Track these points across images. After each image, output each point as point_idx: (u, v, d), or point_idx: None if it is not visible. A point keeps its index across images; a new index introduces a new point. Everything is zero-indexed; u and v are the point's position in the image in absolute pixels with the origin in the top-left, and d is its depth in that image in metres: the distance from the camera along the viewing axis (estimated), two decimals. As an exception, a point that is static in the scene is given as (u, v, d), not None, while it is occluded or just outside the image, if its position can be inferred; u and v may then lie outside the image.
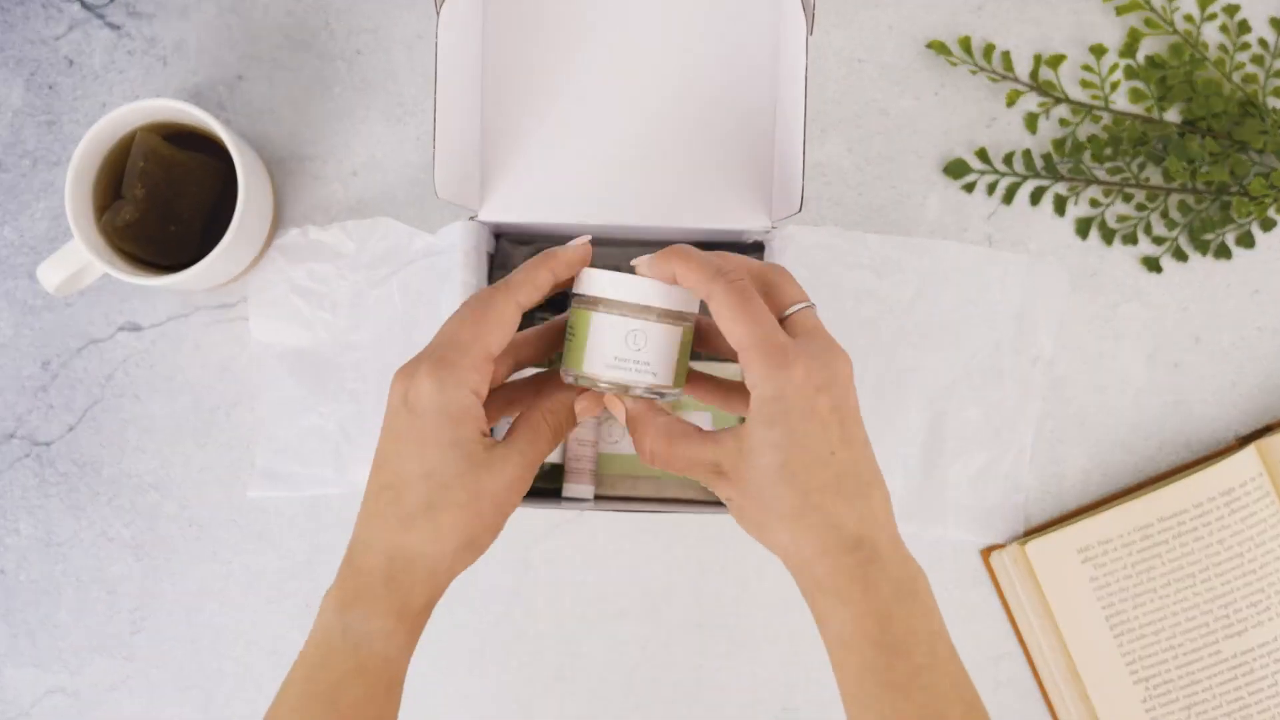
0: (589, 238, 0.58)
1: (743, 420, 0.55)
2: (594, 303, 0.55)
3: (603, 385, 0.56)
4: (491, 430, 0.55)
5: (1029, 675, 0.81)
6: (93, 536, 0.82)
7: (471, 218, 0.76)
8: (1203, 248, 0.82)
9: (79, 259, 0.74)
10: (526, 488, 0.56)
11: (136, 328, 0.82)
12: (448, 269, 0.76)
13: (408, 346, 0.79)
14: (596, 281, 0.55)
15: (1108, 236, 0.82)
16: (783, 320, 0.55)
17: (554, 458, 0.76)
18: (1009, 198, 0.82)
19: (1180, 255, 0.82)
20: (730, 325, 0.53)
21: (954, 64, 0.82)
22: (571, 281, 0.57)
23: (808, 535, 0.52)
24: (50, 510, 0.82)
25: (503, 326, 0.54)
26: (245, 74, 0.82)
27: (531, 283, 0.55)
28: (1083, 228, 0.82)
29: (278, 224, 0.82)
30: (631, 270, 0.57)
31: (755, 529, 0.54)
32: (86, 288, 0.76)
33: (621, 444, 0.77)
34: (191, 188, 0.77)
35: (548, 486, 0.77)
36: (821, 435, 0.52)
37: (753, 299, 0.54)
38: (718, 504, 0.77)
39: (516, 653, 0.82)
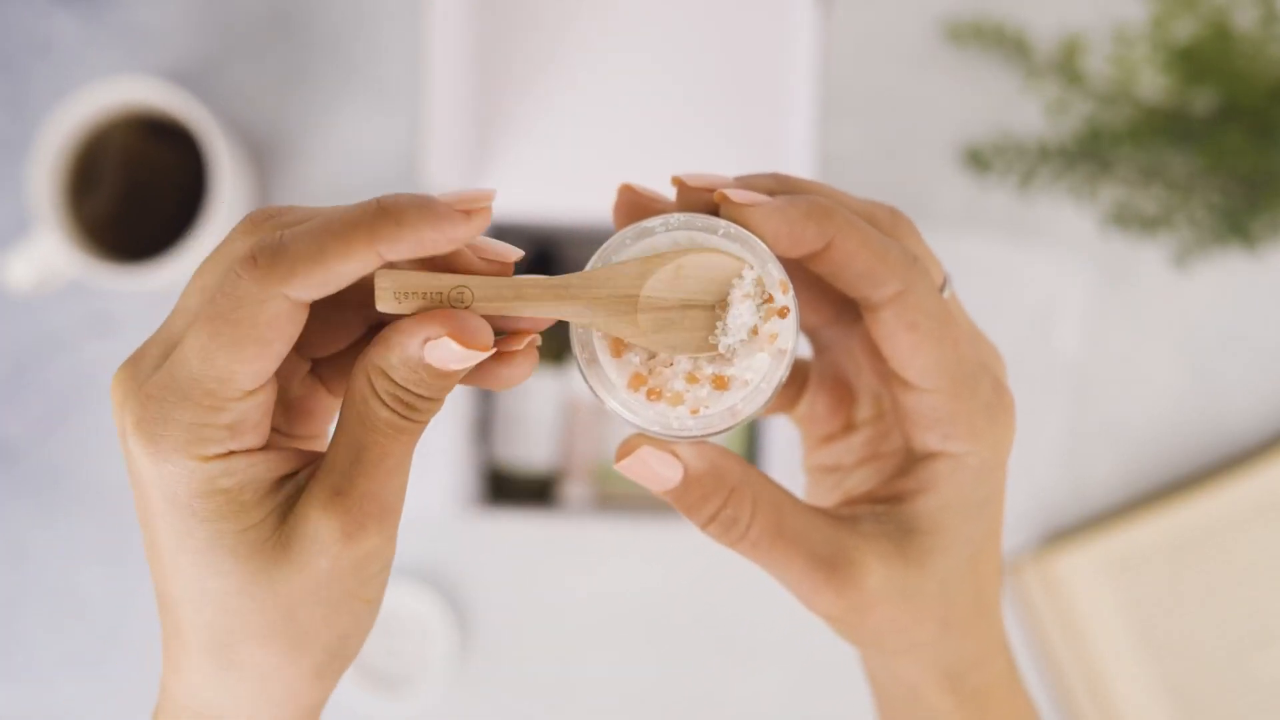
0: (489, 193, 0.34)
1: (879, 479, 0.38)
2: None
3: (655, 430, 0.35)
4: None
5: (1052, 692, 0.79)
6: (64, 547, 0.80)
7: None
8: (1234, 240, 0.79)
9: (48, 253, 0.72)
10: (381, 557, 0.33)
11: (111, 329, 0.80)
12: None
13: None
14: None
15: (1134, 228, 0.80)
16: None
17: (549, 460, 0.75)
18: (1030, 188, 0.80)
19: (1209, 249, 0.80)
20: (934, 347, 0.34)
21: (972, 48, 0.80)
22: (426, 261, 0.33)
23: (964, 644, 0.36)
24: (19, 519, 0.80)
25: (261, 345, 0.31)
26: (226, 60, 0.80)
27: (324, 266, 0.31)
28: (1108, 219, 0.80)
29: None
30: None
31: (876, 641, 0.37)
32: (57, 286, 0.75)
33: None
34: (168, 178, 0.75)
35: (544, 491, 0.76)
36: (998, 519, 0.37)
37: (951, 310, 0.35)
38: None
39: (510, 660, 0.81)
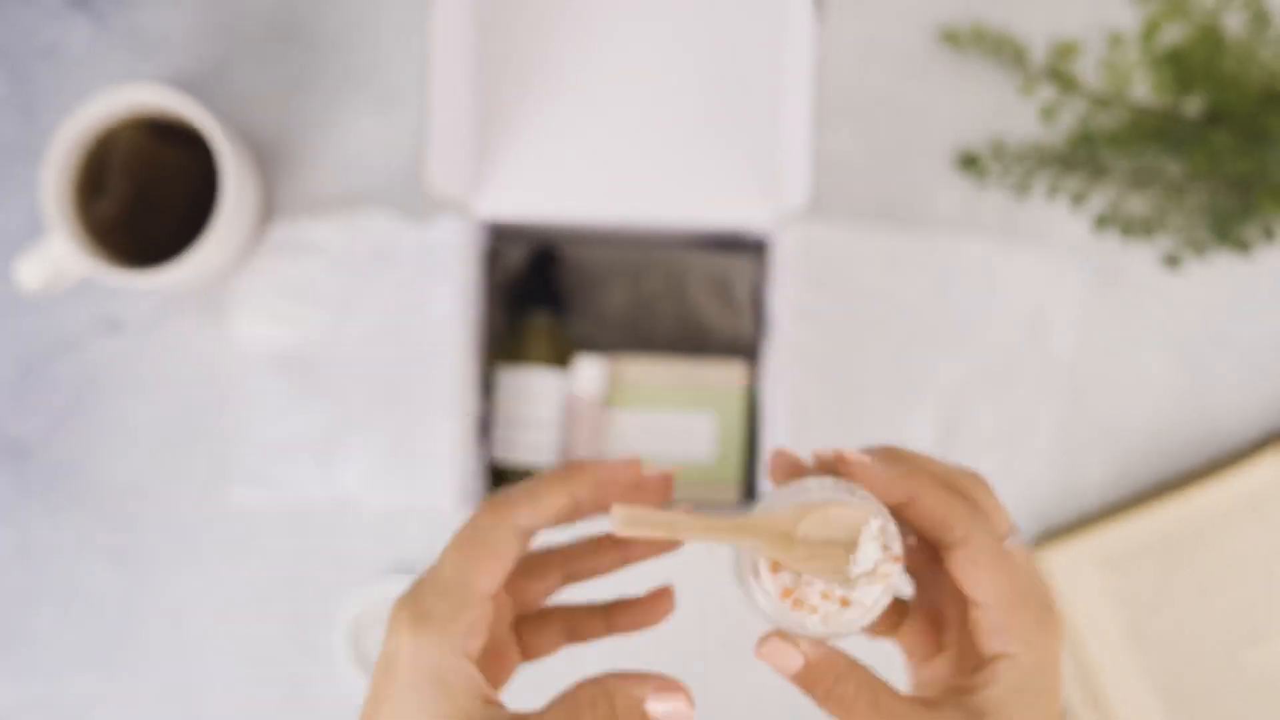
0: (638, 457, 0.49)
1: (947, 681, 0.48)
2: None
3: (792, 629, 0.47)
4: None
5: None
6: (73, 544, 0.80)
7: (466, 213, 0.75)
8: (1225, 243, 0.80)
9: (58, 256, 0.72)
10: None
11: (119, 327, 0.80)
12: (440, 266, 0.76)
13: (397, 346, 0.78)
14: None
15: (1126, 231, 0.80)
16: None
17: (550, 458, 0.75)
18: (1024, 192, 0.80)
19: (1201, 251, 0.80)
20: (991, 578, 0.45)
21: (967, 53, 0.80)
22: (601, 507, 0.47)
23: None
24: (28, 517, 0.80)
25: (496, 560, 0.44)
26: (232, 64, 0.81)
27: (536, 503, 0.45)
28: (1101, 223, 0.80)
29: (267, 219, 0.80)
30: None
31: None
32: (67, 286, 0.75)
33: (622, 444, 0.76)
34: (175, 181, 0.75)
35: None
36: (1058, 706, 0.46)
37: (1005, 550, 0.46)
38: (719, 505, 0.76)
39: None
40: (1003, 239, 0.81)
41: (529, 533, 0.45)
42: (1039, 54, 0.81)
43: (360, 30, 0.81)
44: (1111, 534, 0.78)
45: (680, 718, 0.46)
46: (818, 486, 0.48)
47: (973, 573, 0.45)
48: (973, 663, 0.46)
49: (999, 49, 0.80)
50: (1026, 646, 0.45)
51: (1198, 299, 0.81)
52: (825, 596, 0.48)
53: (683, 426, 0.76)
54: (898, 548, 0.47)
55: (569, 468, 0.46)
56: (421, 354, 0.77)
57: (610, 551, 0.51)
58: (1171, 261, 0.80)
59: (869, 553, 0.47)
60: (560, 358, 0.76)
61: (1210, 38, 0.79)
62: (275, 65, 0.81)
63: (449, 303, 0.74)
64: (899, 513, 0.46)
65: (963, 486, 0.47)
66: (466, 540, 0.44)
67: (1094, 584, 0.78)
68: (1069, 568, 0.78)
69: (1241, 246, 0.80)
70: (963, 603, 0.46)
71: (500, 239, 0.78)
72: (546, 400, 0.75)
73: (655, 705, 0.45)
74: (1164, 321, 0.81)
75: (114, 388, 0.80)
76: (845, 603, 0.48)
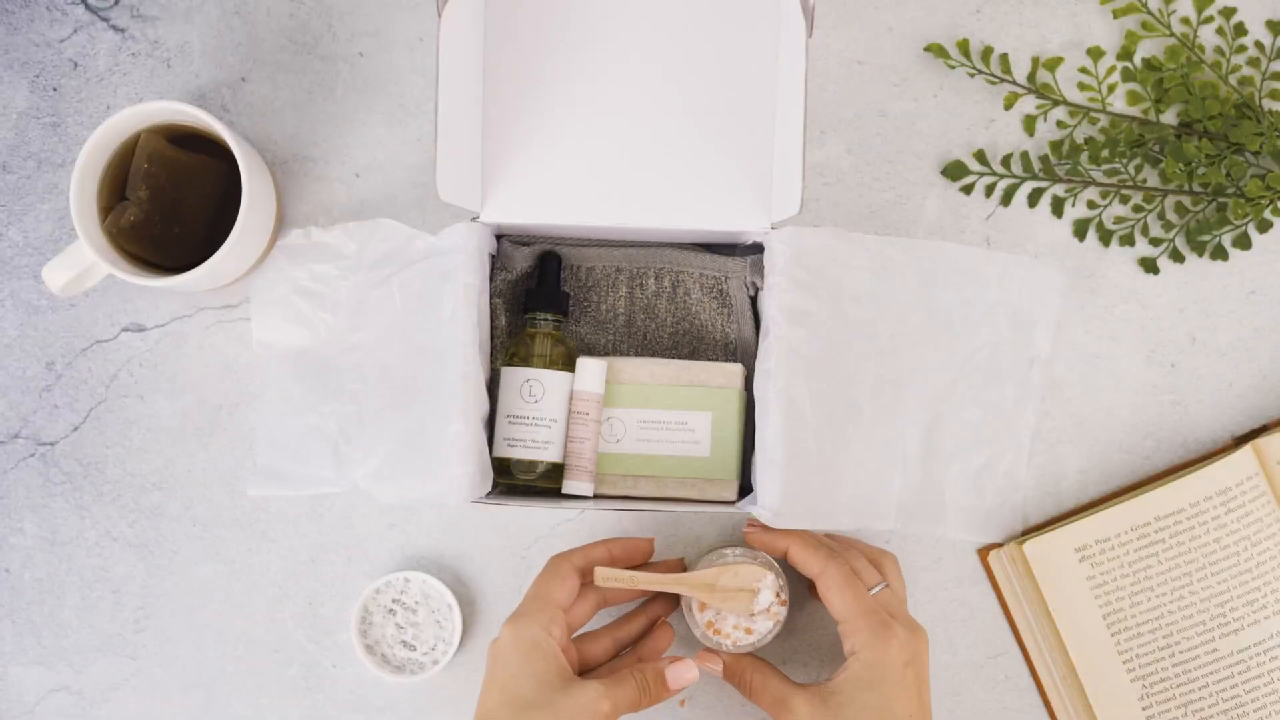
0: (652, 540, 0.77)
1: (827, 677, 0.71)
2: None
3: (715, 647, 0.75)
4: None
5: (1027, 673, 0.82)
6: (97, 536, 0.82)
7: (473, 219, 0.76)
8: (1199, 249, 0.82)
9: (83, 260, 0.74)
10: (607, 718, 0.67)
11: (140, 328, 0.82)
12: (449, 270, 0.76)
13: (408, 348, 0.79)
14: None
15: (1105, 238, 0.82)
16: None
17: (555, 457, 0.77)
18: (1007, 199, 0.82)
19: (1177, 256, 0.82)
20: (842, 599, 0.70)
21: (952, 66, 0.82)
22: (624, 562, 0.75)
23: None
24: (55, 510, 0.82)
25: (564, 582, 0.71)
26: (248, 76, 0.83)
27: (586, 555, 0.73)
28: (1080, 229, 0.82)
29: (280, 225, 0.82)
30: None
31: None
32: (91, 289, 0.77)
33: (623, 443, 0.77)
34: (195, 189, 0.77)
35: (549, 486, 0.77)
36: (904, 701, 0.67)
37: (855, 577, 0.71)
38: (715, 503, 0.77)
39: None
40: (987, 244, 0.82)
41: (579, 569, 0.72)
42: (1022, 67, 0.83)
43: (373, 44, 0.83)
44: (1090, 526, 0.79)
45: (687, 671, 0.71)
46: (733, 554, 0.75)
47: (827, 596, 0.71)
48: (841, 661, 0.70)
49: (983, 63, 0.82)
50: (866, 648, 0.68)
51: (1173, 301, 0.82)
52: (735, 627, 0.75)
53: (680, 425, 0.77)
54: (785, 595, 0.75)
55: (611, 539, 0.75)
56: (431, 355, 0.77)
57: (638, 619, 0.78)
58: (1148, 266, 0.82)
59: (765, 598, 0.74)
60: (564, 359, 0.77)
61: (1185, 52, 0.81)
62: (290, 78, 0.83)
63: (457, 306, 0.74)
64: (785, 560, 0.74)
65: (871, 554, 0.75)
66: (546, 572, 0.72)
67: (1073, 573, 0.79)
68: (1049, 558, 0.79)
69: (1219, 254, 0.82)
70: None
71: (506, 245, 0.79)
72: (550, 400, 0.76)
73: (671, 671, 0.70)
74: (1141, 322, 0.82)
75: (136, 386, 0.82)
76: (749, 631, 0.75)
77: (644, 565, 0.77)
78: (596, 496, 0.78)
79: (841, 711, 0.67)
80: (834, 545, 0.74)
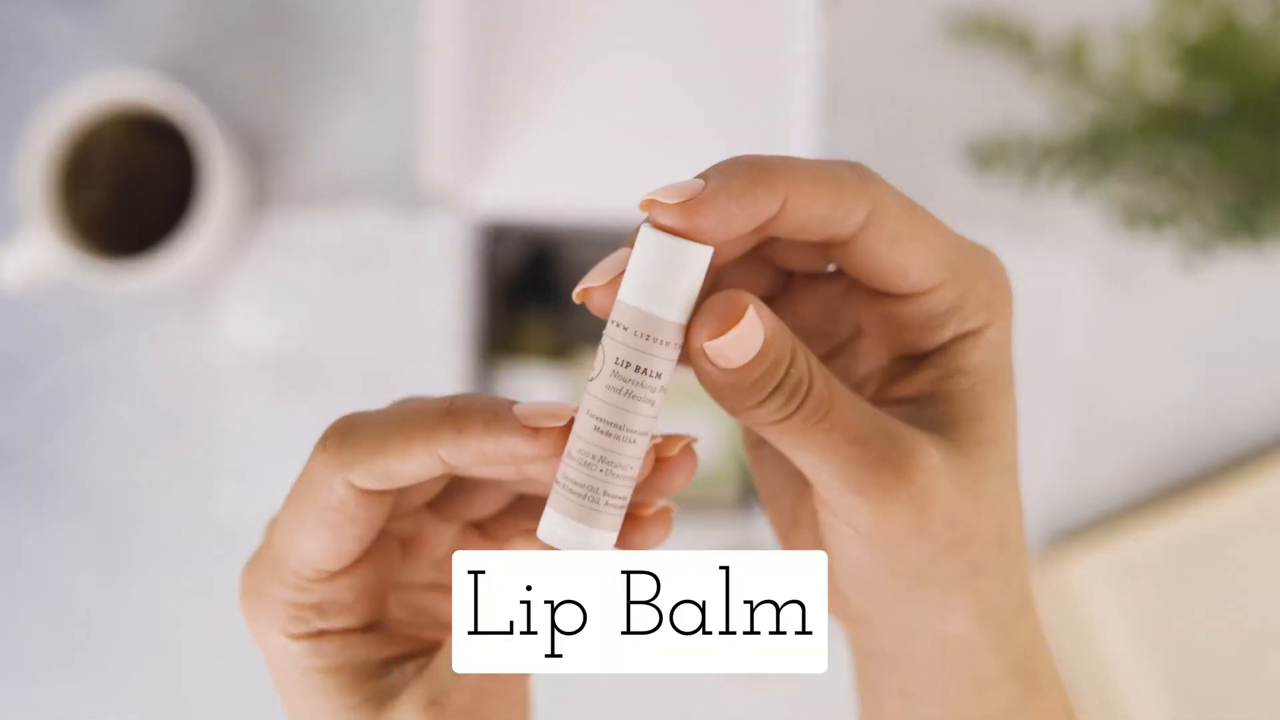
0: (565, 410, 0.31)
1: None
2: None
3: None
4: None
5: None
6: (57, 548, 0.80)
7: (461, 209, 0.75)
8: (1244, 238, 0.79)
9: (40, 252, 0.72)
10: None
11: (106, 328, 0.80)
12: (435, 262, 0.76)
13: (389, 343, 0.79)
14: None
15: (1140, 226, 0.80)
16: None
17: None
18: (1035, 186, 0.80)
19: (1216, 248, 0.80)
20: (916, 250, 0.32)
21: (978, 44, 0.80)
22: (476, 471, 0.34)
23: (1013, 578, 0.33)
24: (11, 521, 0.80)
25: (332, 526, 0.31)
26: (220, 55, 0.80)
27: (380, 450, 0.30)
28: (1114, 217, 0.80)
29: (258, 215, 0.80)
30: None
31: (921, 567, 0.32)
32: (50, 285, 0.75)
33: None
34: (162, 176, 0.75)
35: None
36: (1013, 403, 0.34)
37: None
38: (717, 504, 0.77)
39: None
40: (1011, 233, 0.81)
41: (387, 494, 0.31)
42: (1049, 45, 0.80)
43: (350, 20, 0.81)
44: (1126, 539, 0.78)
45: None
46: None
47: (896, 255, 0.31)
48: (908, 369, 0.33)
49: (1007, 39, 0.80)
50: (990, 315, 0.33)
51: (1211, 297, 0.81)
52: None
53: (680, 425, 0.76)
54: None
55: (447, 413, 0.30)
56: (414, 351, 0.78)
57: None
58: (1185, 259, 0.80)
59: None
60: (557, 353, 0.77)
61: (1227, 28, 0.78)
62: (264, 56, 0.81)
63: (443, 300, 0.74)
64: (765, 249, 0.34)
65: (847, 180, 0.31)
66: (299, 495, 0.31)
67: (1108, 589, 0.78)
68: (1082, 572, 0.78)
69: (1258, 241, 0.79)
70: (870, 305, 0.34)
71: (496, 235, 0.79)
72: (543, 395, 0.75)
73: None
74: (1177, 320, 0.81)
75: (100, 388, 0.80)
76: None
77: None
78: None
79: (985, 454, 0.31)
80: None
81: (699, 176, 0.30)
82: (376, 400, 0.76)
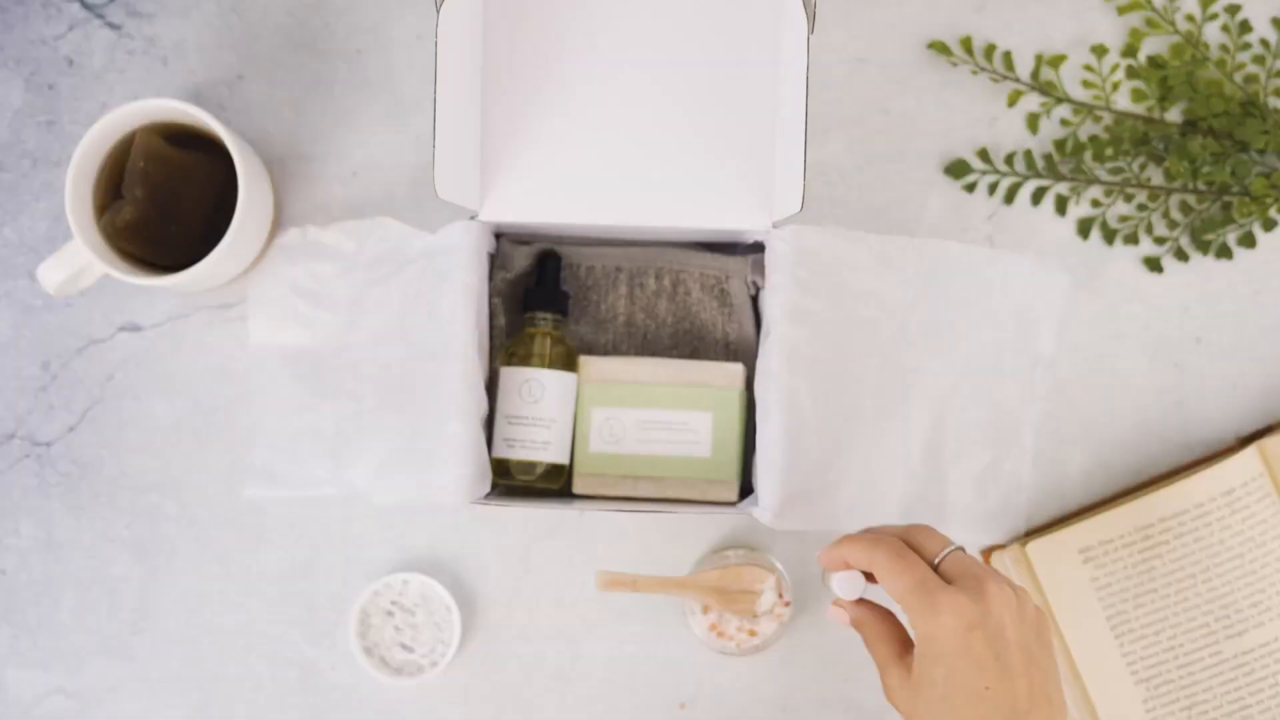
0: None
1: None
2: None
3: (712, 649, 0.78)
4: None
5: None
6: (93, 537, 0.82)
7: (471, 217, 0.76)
8: (1204, 248, 0.82)
9: (79, 259, 0.74)
10: None
11: (136, 328, 0.82)
12: (447, 269, 0.76)
13: (406, 347, 0.79)
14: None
15: (1109, 236, 0.82)
16: (936, 568, 0.62)
17: (555, 457, 0.76)
18: (1010, 198, 0.82)
19: (1181, 255, 0.82)
20: (889, 580, 0.62)
21: (955, 64, 0.82)
22: None
23: None
24: (51, 511, 0.82)
25: None
26: (245, 74, 0.82)
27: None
28: (1084, 228, 0.82)
29: (278, 224, 0.82)
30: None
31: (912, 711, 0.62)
32: (86, 288, 0.77)
33: (623, 443, 0.77)
34: (192, 188, 0.77)
35: (548, 486, 0.77)
36: (975, 672, 0.59)
37: (905, 554, 0.62)
38: (716, 504, 0.77)
39: (518, 652, 0.82)
40: (989, 243, 0.82)
41: None
42: (1025, 64, 0.82)
43: (371, 41, 0.83)
44: (1094, 527, 0.79)
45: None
46: (735, 556, 0.76)
47: (885, 582, 0.63)
48: None
49: (986, 60, 0.82)
50: (917, 624, 0.61)
51: (1178, 300, 0.82)
52: (739, 629, 0.75)
53: (681, 426, 0.77)
54: (789, 596, 0.74)
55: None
56: (430, 355, 0.77)
57: None
58: (1152, 264, 0.82)
59: (768, 600, 0.74)
60: (563, 358, 0.77)
61: (1189, 49, 0.81)
62: (288, 75, 0.83)
63: (456, 305, 0.74)
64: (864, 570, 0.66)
65: (908, 533, 0.64)
66: None
67: (1077, 574, 0.79)
68: (1052, 559, 0.79)
69: (1223, 252, 0.81)
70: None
71: (506, 244, 0.79)
72: (550, 400, 0.76)
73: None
74: (1145, 322, 0.82)
75: (132, 387, 0.82)
76: (752, 633, 0.75)
77: None
78: (596, 498, 0.77)
79: (919, 691, 0.61)
80: (894, 529, 0.66)
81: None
82: (391, 399, 0.81)
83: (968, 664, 0.59)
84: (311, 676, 0.82)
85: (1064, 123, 0.82)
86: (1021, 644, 0.60)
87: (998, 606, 0.60)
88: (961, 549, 0.63)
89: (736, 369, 0.77)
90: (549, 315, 0.77)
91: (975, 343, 0.81)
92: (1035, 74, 0.82)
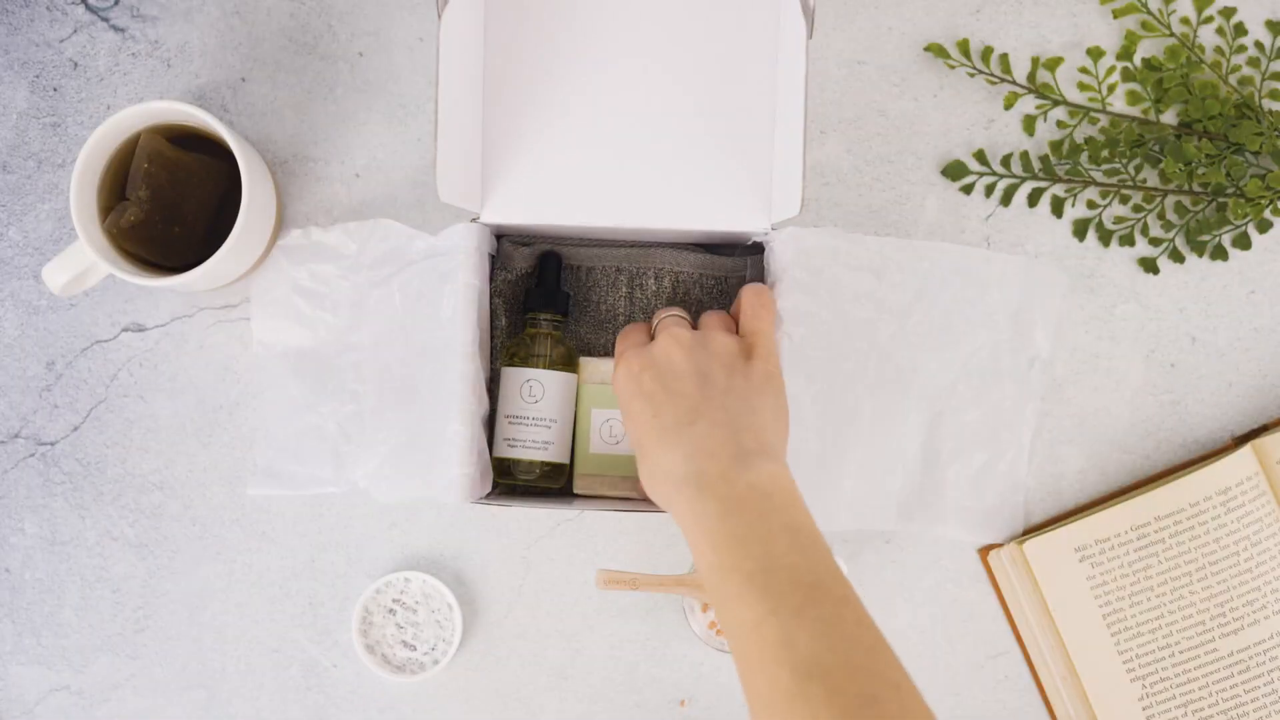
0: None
1: None
2: None
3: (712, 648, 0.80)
4: None
5: (1027, 673, 0.82)
6: (97, 536, 0.82)
7: (473, 219, 0.76)
8: (1199, 249, 0.82)
9: (83, 260, 0.74)
10: None
11: (140, 328, 0.83)
12: (449, 270, 0.76)
13: (408, 348, 0.79)
14: None
15: (1105, 238, 0.82)
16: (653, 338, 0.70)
17: (555, 457, 0.77)
18: (1007, 199, 0.83)
19: (1177, 256, 0.82)
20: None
21: (952, 66, 0.82)
22: None
23: (652, 487, 0.64)
24: (55, 510, 0.82)
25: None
26: (248, 76, 0.83)
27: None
28: (1080, 229, 0.82)
29: (280, 225, 0.82)
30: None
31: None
32: (91, 289, 0.77)
33: (623, 444, 0.77)
34: (195, 189, 0.77)
35: (549, 486, 0.77)
36: (645, 405, 0.65)
37: (625, 334, 0.72)
38: None
39: (519, 650, 0.82)
40: (987, 244, 0.83)
41: None
42: (1022, 68, 0.83)
43: (373, 44, 0.83)
44: (1090, 526, 0.79)
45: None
46: None
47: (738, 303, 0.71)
48: None
49: (983, 63, 0.82)
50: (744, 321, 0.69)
51: (1173, 301, 0.83)
52: None
53: None
54: None
55: None
56: (431, 355, 0.78)
57: None
58: (1148, 266, 0.82)
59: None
60: (564, 359, 0.77)
61: (1184, 52, 0.82)
62: (290, 77, 0.83)
63: (457, 306, 0.74)
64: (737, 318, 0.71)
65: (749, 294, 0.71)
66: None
67: (1073, 573, 0.79)
68: (1049, 558, 0.79)
69: (1218, 253, 0.82)
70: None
71: (506, 245, 0.79)
72: (550, 400, 0.76)
73: None
74: (1140, 322, 0.82)
75: (136, 386, 0.82)
76: None
77: None
78: (596, 498, 0.78)
79: (637, 459, 0.68)
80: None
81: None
82: (393, 399, 0.81)
83: (641, 403, 0.65)
84: (314, 674, 0.82)
85: (1060, 125, 0.83)
86: (698, 371, 0.64)
87: (664, 345, 0.66)
88: (678, 315, 0.71)
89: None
90: (549, 316, 0.77)
91: (972, 343, 0.81)
92: (1032, 76, 0.82)
